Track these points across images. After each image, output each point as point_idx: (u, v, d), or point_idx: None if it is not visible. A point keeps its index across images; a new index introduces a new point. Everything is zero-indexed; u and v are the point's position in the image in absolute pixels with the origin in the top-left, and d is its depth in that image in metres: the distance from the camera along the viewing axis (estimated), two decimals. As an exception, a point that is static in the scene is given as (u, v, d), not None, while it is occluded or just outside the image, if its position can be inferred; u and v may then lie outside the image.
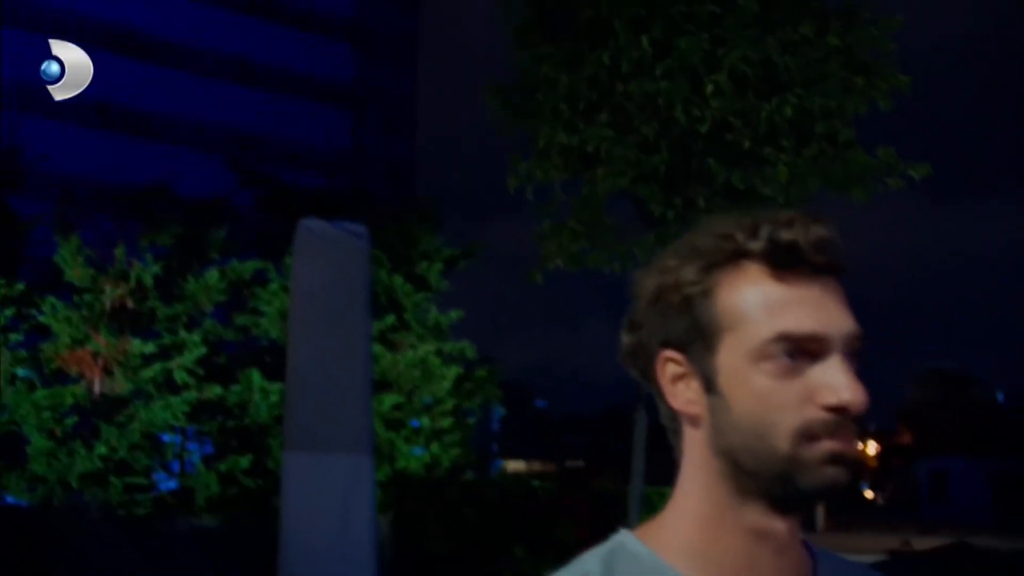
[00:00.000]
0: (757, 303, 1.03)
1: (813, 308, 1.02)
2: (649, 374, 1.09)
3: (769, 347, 1.00)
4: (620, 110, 5.27)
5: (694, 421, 1.06)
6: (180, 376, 11.06)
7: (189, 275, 11.62)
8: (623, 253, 5.69)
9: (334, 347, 6.94)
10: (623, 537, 1.10)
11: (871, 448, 77.08)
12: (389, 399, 11.97)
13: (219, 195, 14.10)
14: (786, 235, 1.02)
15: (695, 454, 1.07)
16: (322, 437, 6.91)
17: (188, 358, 11.11)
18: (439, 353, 12.86)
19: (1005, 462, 43.40)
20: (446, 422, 12.76)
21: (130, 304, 11.53)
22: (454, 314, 13.28)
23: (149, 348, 11.11)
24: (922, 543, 8.72)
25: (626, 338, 1.12)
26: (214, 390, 11.23)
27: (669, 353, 1.06)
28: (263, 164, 23.22)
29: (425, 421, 12.58)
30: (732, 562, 1.04)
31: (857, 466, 1.01)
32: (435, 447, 12.61)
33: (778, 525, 1.04)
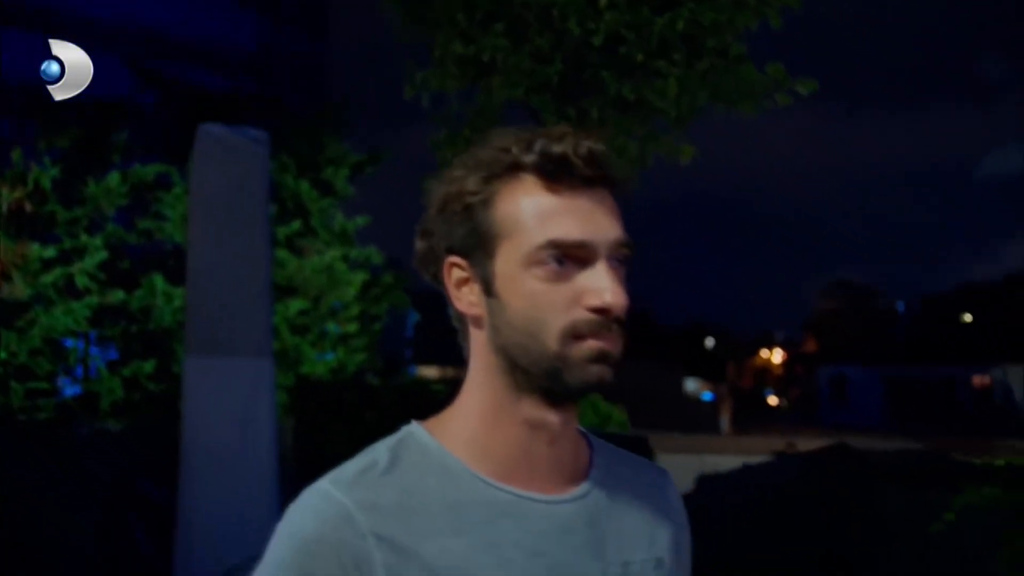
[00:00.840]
0: (530, 212, 1.12)
1: (581, 217, 1.11)
2: (439, 278, 1.20)
3: (539, 253, 1.10)
4: (517, 20, 5.31)
5: (477, 322, 1.17)
6: (81, 281, 10.91)
7: (90, 178, 11.37)
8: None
9: (233, 253, 6.97)
10: (413, 428, 1.20)
11: (777, 356, 79.40)
12: (295, 304, 11.97)
13: (121, 96, 13.73)
14: (557, 148, 1.12)
15: (478, 352, 1.18)
16: (223, 341, 6.97)
17: (90, 262, 10.95)
18: (345, 259, 12.85)
19: (899, 368, 45.03)
20: (352, 327, 12.82)
21: (28, 208, 11.28)
22: (360, 220, 13.25)
23: (49, 252, 10.91)
24: (807, 444, 9.15)
25: (418, 244, 1.22)
26: (117, 295, 11.09)
27: (454, 259, 1.16)
28: (167, 64, 22.54)
29: (331, 326, 12.64)
30: (509, 451, 1.15)
31: (618, 365, 1.13)
32: (341, 352, 12.71)
33: (551, 417, 1.15)
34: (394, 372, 15.46)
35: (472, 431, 1.17)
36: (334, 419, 8.53)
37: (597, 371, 1.11)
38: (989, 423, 34.10)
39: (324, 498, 1.11)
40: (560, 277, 1.11)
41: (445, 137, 5.77)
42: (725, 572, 8.62)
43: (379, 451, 1.17)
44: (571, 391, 1.13)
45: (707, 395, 50.26)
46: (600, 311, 1.11)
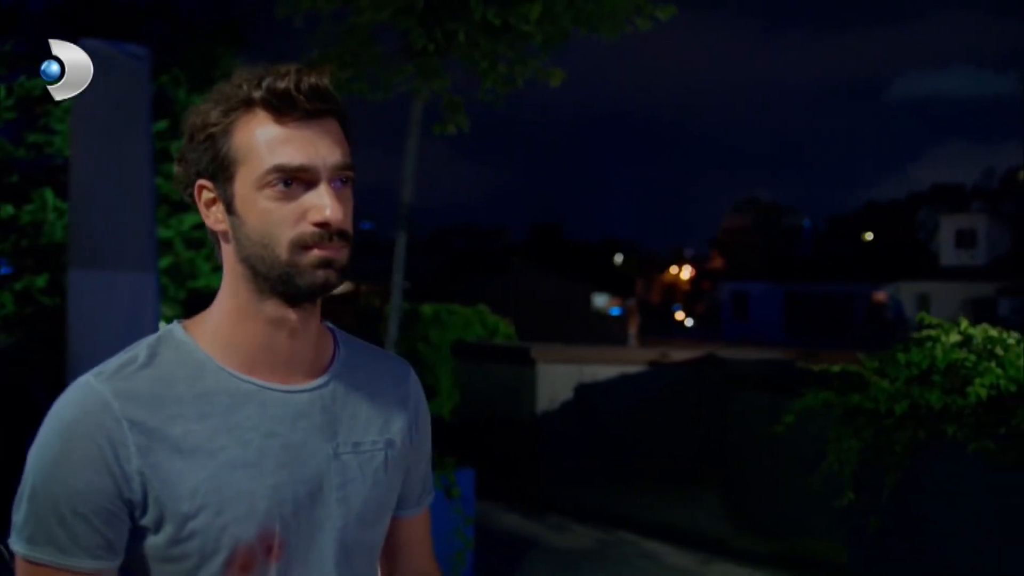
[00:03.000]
0: (260, 141, 1.28)
1: (304, 145, 1.28)
2: (192, 199, 1.36)
3: (268, 176, 1.27)
4: (385, -57, 5.44)
5: (224, 236, 1.34)
6: (-31, 195, 10.79)
7: (-26, 90, 11.16)
8: (386, 83, 5.95)
9: (115, 168, 7.03)
10: (173, 327, 1.38)
11: (686, 273, 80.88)
12: (189, 219, 11.86)
13: (4, 4, 13.37)
14: (280, 85, 1.28)
15: (227, 262, 1.35)
16: (106, 256, 7.07)
17: (-23, 176, 10.82)
18: (240, 174, 12.78)
19: (800, 285, 46.19)
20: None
21: (-90, 120, 11.05)
22: (256, 135, 13.14)
23: (-66, 166, 10.75)
24: (680, 355, 9.61)
25: (177, 168, 1.39)
26: (7, 209, 10.99)
27: (202, 182, 1.33)
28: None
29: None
30: (253, 346, 1.34)
31: (343, 270, 1.31)
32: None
33: (290, 315, 1.33)
34: None
35: (221, 329, 1.34)
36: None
37: (323, 275, 1.29)
38: (880, 337, 35.49)
39: (85, 389, 1.27)
40: (287, 197, 1.28)
41: (317, 57, 5.91)
42: (602, 469, 9.13)
43: (140, 347, 1.33)
44: (303, 293, 1.31)
45: (615, 310, 51.17)
46: (321, 224, 1.28)
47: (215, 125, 1.30)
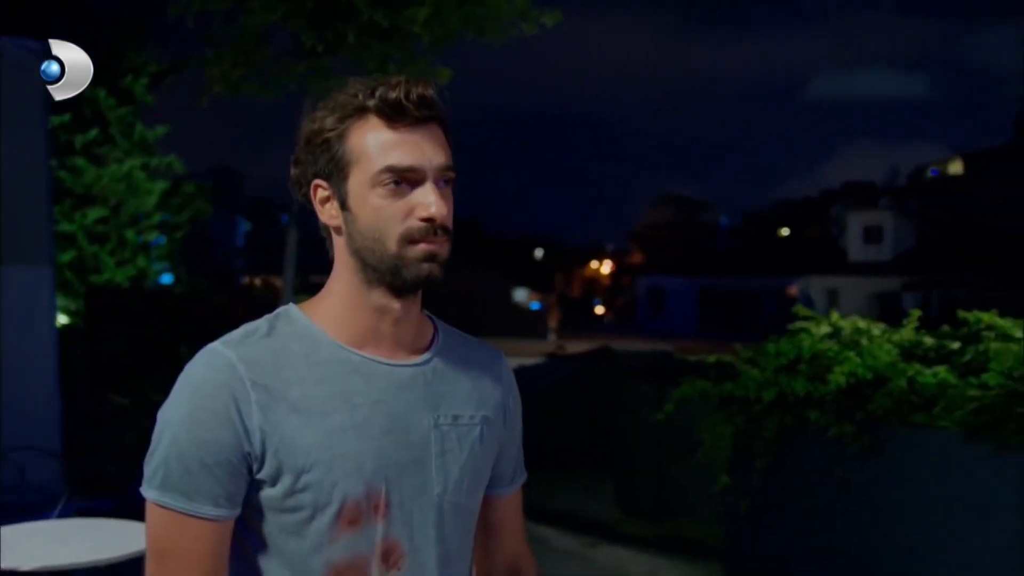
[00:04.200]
0: (373, 144, 1.42)
1: (412, 148, 1.42)
2: (308, 197, 1.50)
3: (380, 176, 1.41)
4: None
5: (337, 231, 1.48)
6: None
7: None
8: (277, 83, 6.10)
9: (10, 163, 7.06)
10: (288, 307, 1.52)
11: (607, 267, 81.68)
12: (93, 213, 11.88)
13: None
14: (392, 95, 1.42)
15: (339, 254, 1.49)
16: (2, 250, 7.10)
17: None
18: (146, 168, 12.74)
19: (715, 280, 46.89)
20: (152, 235, 12.83)
21: None
22: (161, 129, 13.10)
23: None
24: (576, 347, 9.90)
25: (293, 170, 1.52)
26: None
27: (318, 181, 1.47)
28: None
29: (131, 235, 12.60)
30: (361, 328, 1.47)
31: (445, 263, 1.45)
32: (141, 260, 12.71)
33: (394, 304, 1.47)
34: (224, 281, 15.43)
35: (334, 311, 1.48)
36: (119, 323, 8.75)
37: (428, 268, 1.43)
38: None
39: (213, 353, 1.41)
40: (397, 195, 1.41)
41: (212, 56, 6.02)
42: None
43: (260, 322, 1.48)
44: (408, 284, 1.44)
45: (535, 304, 51.58)
46: (427, 220, 1.41)
47: (331, 130, 1.44)
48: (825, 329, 6.52)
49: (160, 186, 12.85)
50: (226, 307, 8.54)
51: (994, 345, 5.57)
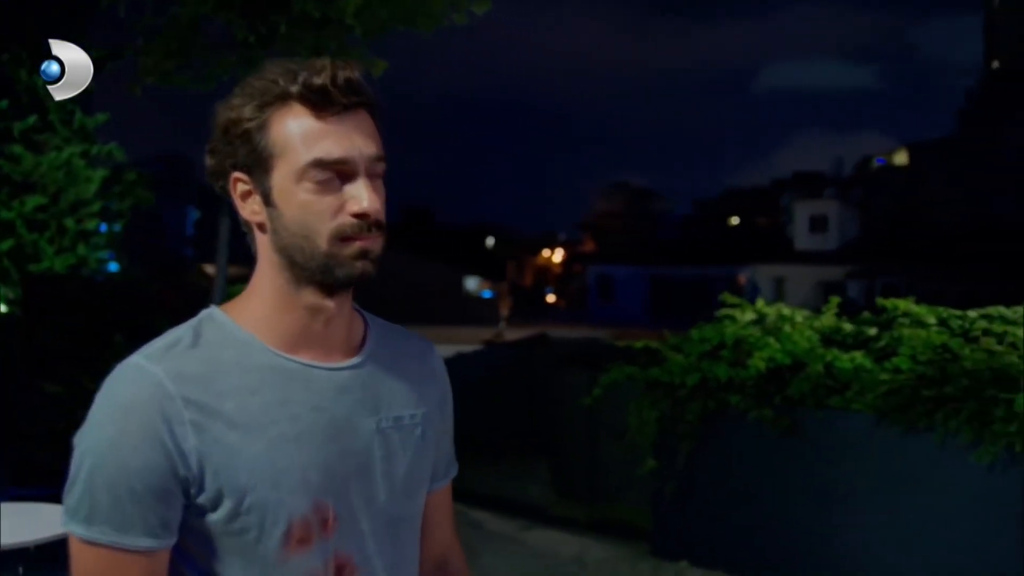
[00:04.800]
0: (298, 135, 1.29)
1: (341, 138, 1.29)
2: (226, 190, 1.36)
3: (307, 170, 1.29)
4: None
5: (261, 227, 1.35)
6: None
7: None
8: (210, 74, 6.12)
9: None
10: (211, 311, 1.39)
11: (558, 256, 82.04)
12: (32, 201, 11.79)
13: None
14: (317, 80, 1.29)
15: (263, 252, 1.37)
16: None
17: None
18: (85, 155, 12.62)
19: (664, 268, 47.23)
20: (92, 224, 12.74)
21: None
22: (101, 117, 13.00)
23: None
24: (514, 334, 10.04)
25: (209, 161, 1.38)
26: None
27: (238, 175, 1.34)
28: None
29: (70, 223, 12.51)
30: (292, 330, 1.36)
31: (378, 260, 1.34)
32: (81, 248, 12.63)
33: (326, 303, 1.36)
34: (174, 270, 15.36)
35: (262, 313, 1.36)
36: (55, 311, 8.72)
37: (361, 266, 1.32)
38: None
39: (136, 369, 1.27)
40: (326, 189, 1.30)
41: (143, 46, 6.04)
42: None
43: (182, 330, 1.34)
44: (340, 283, 1.33)
45: (486, 293, 51.71)
46: (360, 216, 1.30)
47: (251, 120, 1.31)
48: (750, 316, 6.70)
49: (100, 174, 12.73)
50: (158, 296, 8.55)
51: (907, 331, 5.77)
